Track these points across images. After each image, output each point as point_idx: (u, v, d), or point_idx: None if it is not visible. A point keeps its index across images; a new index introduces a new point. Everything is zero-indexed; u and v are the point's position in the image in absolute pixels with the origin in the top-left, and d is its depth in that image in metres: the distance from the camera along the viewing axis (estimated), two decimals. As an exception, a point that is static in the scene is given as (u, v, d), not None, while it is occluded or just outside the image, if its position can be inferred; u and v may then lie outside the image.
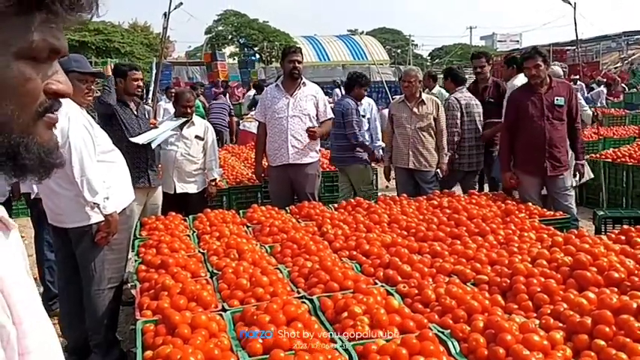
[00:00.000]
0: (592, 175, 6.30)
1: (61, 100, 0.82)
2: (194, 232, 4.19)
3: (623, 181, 6.67)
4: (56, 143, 0.84)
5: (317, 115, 5.26)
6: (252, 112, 9.05)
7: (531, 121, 4.83)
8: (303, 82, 5.27)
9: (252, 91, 14.41)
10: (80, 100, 3.52)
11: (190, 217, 4.54)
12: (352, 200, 4.88)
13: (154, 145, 4.90)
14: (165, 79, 20.77)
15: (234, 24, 42.35)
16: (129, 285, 4.36)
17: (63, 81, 0.81)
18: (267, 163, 5.59)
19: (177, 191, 5.24)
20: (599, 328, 2.24)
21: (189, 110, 5.24)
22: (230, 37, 42.71)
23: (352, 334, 2.41)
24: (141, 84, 4.98)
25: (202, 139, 5.28)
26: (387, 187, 7.97)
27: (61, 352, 0.85)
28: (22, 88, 0.76)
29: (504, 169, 5.06)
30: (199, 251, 3.70)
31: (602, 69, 25.41)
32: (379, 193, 6.52)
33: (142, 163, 4.85)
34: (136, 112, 4.94)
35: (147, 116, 5.19)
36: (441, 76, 7.08)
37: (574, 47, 21.63)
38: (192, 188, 5.29)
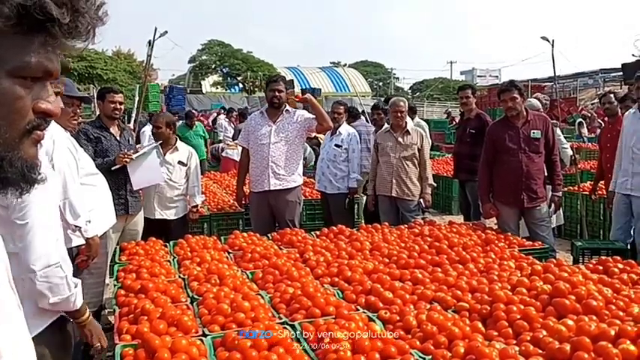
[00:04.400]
0: (562, 221, 6.42)
1: (48, 120, 0.83)
2: (174, 257, 4.16)
3: (600, 213, 6.78)
4: (39, 160, 0.85)
5: (309, 125, 5.27)
6: (236, 141, 9.09)
7: (508, 154, 4.93)
8: (287, 110, 5.32)
9: (222, 116, 14.87)
10: (65, 123, 3.52)
11: (171, 242, 4.51)
12: (334, 228, 4.90)
13: (151, 181, 4.85)
14: (177, 104, 20.64)
15: (218, 53, 42.73)
16: (106, 311, 4.29)
17: (52, 101, 0.83)
18: (249, 190, 5.60)
19: (157, 217, 5.20)
20: (578, 355, 2.27)
21: (160, 131, 5.21)
22: (213, 66, 43.02)
23: (334, 359, 2.40)
24: (119, 107, 4.90)
25: (185, 165, 5.28)
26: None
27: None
28: (12, 106, 0.77)
29: (484, 200, 5.14)
30: (180, 276, 3.67)
31: (579, 105, 26.02)
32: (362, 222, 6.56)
33: (121, 189, 4.81)
34: (118, 138, 4.93)
35: (130, 142, 5.17)
36: (421, 106, 7.28)
37: (552, 83, 22.17)
38: (171, 214, 5.26)
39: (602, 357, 2.22)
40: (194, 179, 5.30)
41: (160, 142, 5.18)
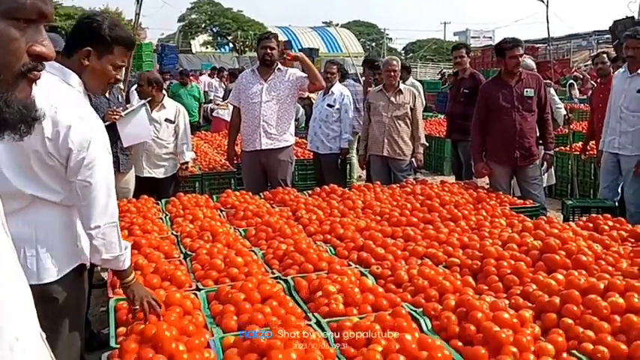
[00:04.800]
0: (554, 181, 6.44)
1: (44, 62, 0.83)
2: (167, 215, 4.15)
3: (591, 173, 6.83)
4: (33, 98, 0.84)
5: (301, 84, 5.21)
6: (226, 101, 8.99)
7: (502, 112, 4.92)
8: (279, 68, 5.25)
9: (205, 77, 14.80)
10: None
11: (163, 200, 4.50)
12: (326, 187, 4.90)
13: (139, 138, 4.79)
14: (170, 63, 20.24)
15: (207, 12, 41.94)
16: (99, 268, 4.30)
17: (47, 45, 0.82)
18: (240, 149, 5.57)
19: (145, 175, 5.16)
20: (567, 307, 2.31)
21: (142, 89, 5.13)
22: (203, 25, 42.27)
23: (327, 312, 2.43)
24: None
25: (173, 123, 5.20)
26: (359, 177, 8.02)
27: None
28: (6, 48, 0.77)
29: (477, 160, 5.14)
30: (172, 233, 3.67)
31: (572, 66, 25.89)
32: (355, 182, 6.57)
33: (112, 146, 4.74)
34: (107, 95, 4.85)
35: (120, 100, 5.10)
36: (415, 67, 7.18)
37: (545, 44, 22.00)
38: (160, 173, 5.21)
39: (590, 309, 2.26)
40: (183, 137, 5.23)
41: (148, 99, 5.10)
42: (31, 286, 1.89)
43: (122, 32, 2.22)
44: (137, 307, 2.23)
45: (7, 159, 1.94)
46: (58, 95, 1.98)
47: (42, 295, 1.98)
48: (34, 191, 1.97)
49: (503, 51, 4.97)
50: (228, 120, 7.35)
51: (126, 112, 4.76)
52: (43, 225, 2.02)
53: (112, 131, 4.72)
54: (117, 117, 4.62)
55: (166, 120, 5.20)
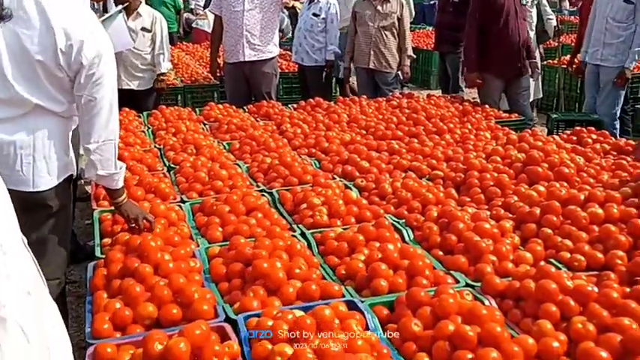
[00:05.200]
0: (540, 95, 6.38)
1: None
2: (149, 128, 4.09)
3: (577, 87, 6.78)
4: None
5: None
6: (207, 9, 8.64)
7: (507, 20, 4.73)
8: None
9: None
10: None
11: (144, 113, 4.41)
12: (311, 100, 4.82)
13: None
14: None
15: None
16: (82, 181, 4.28)
17: None
18: (223, 61, 5.41)
19: (124, 87, 5.01)
20: (547, 218, 2.35)
21: None
22: None
23: (311, 223, 2.46)
24: None
25: (150, 31, 4.99)
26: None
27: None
28: None
29: (471, 69, 4.92)
30: (155, 146, 3.63)
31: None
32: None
33: None
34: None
35: (96, 7, 4.86)
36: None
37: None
38: (137, 84, 5.05)
39: (570, 220, 2.31)
40: (160, 45, 5.02)
41: (124, 4, 4.85)
42: (25, 193, 1.89)
43: None
44: (133, 224, 2.27)
45: (13, 68, 1.93)
46: (70, 8, 1.97)
47: (36, 202, 2.05)
48: (38, 100, 1.99)
49: None
50: (209, 31, 7.09)
51: (102, 18, 4.55)
52: (42, 133, 2.04)
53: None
54: None
55: (142, 29, 4.98)
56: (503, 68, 4.81)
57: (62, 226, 2.20)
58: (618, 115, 5.00)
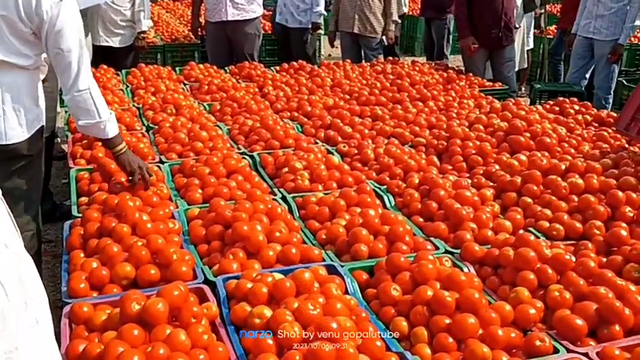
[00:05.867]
0: (525, 65, 6.35)
1: None
2: (127, 86, 3.99)
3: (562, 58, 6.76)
4: None
5: None
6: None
7: None
8: None
9: None
10: None
11: (123, 71, 4.31)
12: (294, 63, 4.75)
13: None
14: None
15: None
16: (59, 139, 4.18)
17: None
18: (204, 20, 5.28)
19: (102, 44, 4.86)
20: (528, 187, 2.36)
21: None
22: None
23: (292, 187, 2.44)
24: None
25: None
26: (329, 55, 7.81)
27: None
28: None
29: (465, 34, 4.86)
30: (134, 105, 3.55)
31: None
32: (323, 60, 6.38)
33: None
34: None
35: None
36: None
37: None
38: (117, 41, 4.89)
39: (550, 189, 2.32)
40: (141, 2, 4.86)
41: None
42: None
43: None
44: (131, 177, 2.25)
45: None
46: None
47: (8, 154, 2.06)
48: (4, 56, 1.97)
49: None
50: None
51: None
52: (10, 87, 2.04)
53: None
54: None
55: None
56: (485, 37, 4.77)
57: (35, 178, 2.21)
58: (613, 88, 5.02)
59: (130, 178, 2.26)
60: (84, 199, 2.28)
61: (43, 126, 2.20)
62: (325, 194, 2.36)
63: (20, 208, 2.12)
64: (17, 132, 2.06)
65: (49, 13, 1.93)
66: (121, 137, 2.28)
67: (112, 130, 2.20)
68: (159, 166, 2.59)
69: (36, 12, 1.91)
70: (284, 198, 2.37)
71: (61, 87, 2.11)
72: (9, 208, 0.85)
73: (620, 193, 2.19)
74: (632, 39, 5.83)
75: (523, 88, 6.45)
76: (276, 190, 2.46)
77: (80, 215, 2.10)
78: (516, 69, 5.46)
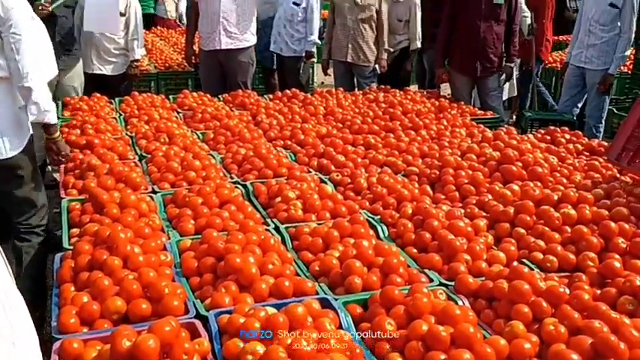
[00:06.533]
0: (515, 93, 6.43)
1: None
2: (121, 115, 3.99)
3: (551, 86, 6.86)
4: None
5: None
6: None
7: (468, 19, 4.77)
8: None
9: None
10: None
11: (116, 99, 4.31)
12: (288, 91, 4.78)
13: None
14: None
15: None
16: (50, 167, 4.16)
17: None
18: (198, 48, 5.32)
19: (95, 72, 4.89)
20: (521, 217, 2.36)
21: None
22: None
23: (285, 217, 2.43)
24: None
25: (124, 15, 4.86)
26: (322, 82, 7.88)
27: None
28: None
29: (439, 64, 5.05)
30: (127, 134, 3.55)
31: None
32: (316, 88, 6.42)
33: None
34: None
35: None
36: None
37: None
38: (110, 69, 4.92)
39: (543, 220, 2.32)
40: (134, 31, 4.90)
41: None
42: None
43: None
44: (57, 157, 2.78)
45: None
46: None
47: (8, 166, 2.53)
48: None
49: None
50: (165, 17, 6.94)
51: None
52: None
53: (51, 25, 4.36)
54: (45, 12, 4.20)
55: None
56: (464, 66, 4.85)
57: (37, 179, 2.73)
58: (604, 117, 5.08)
59: (56, 157, 2.80)
60: (75, 231, 2.26)
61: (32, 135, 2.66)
62: (319, 224, 2.35)
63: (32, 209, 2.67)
64: (15, 144, 2.53)
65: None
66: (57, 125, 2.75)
67: (55, 116, 2.63)
68: (151, 197, 2.57)
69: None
70: (277, 228, 2.36)
71: (21, 73, 2.41)
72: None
73: (613, 224, 2.19)
74: (622, 68, 5.91)
75: (515, 117, 6.52)
76: (269, 220, 2.45)
77: (71, 248, 2.08)
78: (505, 97, 5.52)
